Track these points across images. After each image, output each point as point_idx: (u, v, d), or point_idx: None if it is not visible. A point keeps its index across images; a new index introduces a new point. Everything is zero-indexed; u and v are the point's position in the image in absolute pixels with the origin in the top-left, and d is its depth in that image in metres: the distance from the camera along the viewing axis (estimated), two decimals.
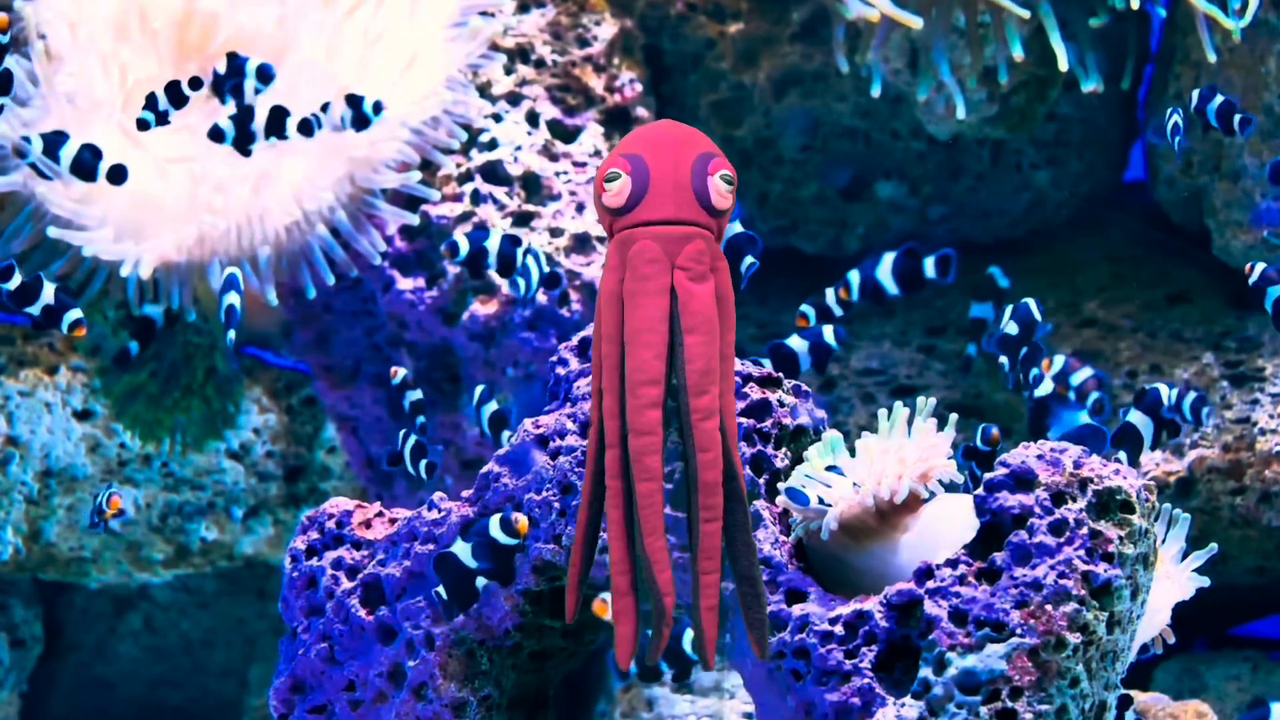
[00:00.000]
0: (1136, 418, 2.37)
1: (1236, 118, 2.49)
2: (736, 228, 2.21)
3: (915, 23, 2.85)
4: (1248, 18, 2.69)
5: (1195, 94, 2.54)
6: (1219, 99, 2.52)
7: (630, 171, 1.75)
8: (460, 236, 2.70)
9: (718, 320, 1.74)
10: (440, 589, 1.93)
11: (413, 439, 2.47)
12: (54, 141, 2.52)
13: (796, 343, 2.56)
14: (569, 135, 3.03)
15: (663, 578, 1.71)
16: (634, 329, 1.73)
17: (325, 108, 2.63)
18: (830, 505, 1.88)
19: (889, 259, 2.81)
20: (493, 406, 2.56)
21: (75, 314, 2.38)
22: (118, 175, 2.51)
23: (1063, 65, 2.85)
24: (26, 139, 2.56)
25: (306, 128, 2.60)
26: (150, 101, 2.54)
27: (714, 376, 1.72)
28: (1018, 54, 2.85)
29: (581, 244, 2.93)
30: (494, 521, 1.90)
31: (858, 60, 2.99)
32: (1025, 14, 2.80)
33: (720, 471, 1.72)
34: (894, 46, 2.99)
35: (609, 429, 1.74)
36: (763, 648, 1.76)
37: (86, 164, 2.50)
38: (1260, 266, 2.35)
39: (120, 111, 2.78)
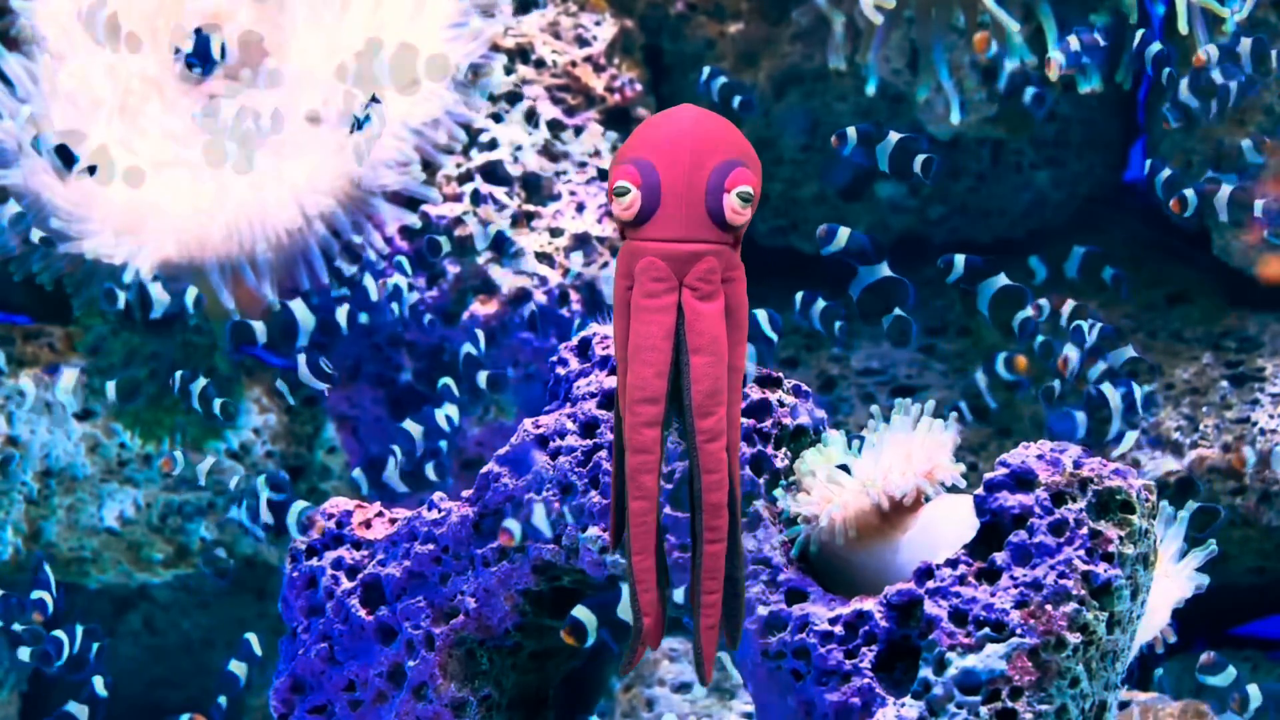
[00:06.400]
0: None
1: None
2: None
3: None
4: (1245, 10, 2.69)
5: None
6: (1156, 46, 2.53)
7: (640, 185, 1.65)
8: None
9: (725, 340, 1.68)
10: None
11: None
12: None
13: None
14: (569, 135, 3.03)
15: (646, 599, 1.68)
16: (636, 344, 1.68)
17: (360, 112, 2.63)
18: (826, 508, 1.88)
19: None
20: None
21: None
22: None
23: (1053, 75, 2.85)
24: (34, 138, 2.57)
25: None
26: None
27: (720, 398, 1.67)
28: (1013, 64, 2.85)
29: (581, 244, 2.93)
30: None
31: (859, 60, 2.99)
32: (1016, 26, 2.80)
33: (726, 493, 1.68)
34: (894, 46, 2.99)
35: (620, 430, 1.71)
36: (734, 639, 1.73)
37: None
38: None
39: (119, 111, 2.78)
